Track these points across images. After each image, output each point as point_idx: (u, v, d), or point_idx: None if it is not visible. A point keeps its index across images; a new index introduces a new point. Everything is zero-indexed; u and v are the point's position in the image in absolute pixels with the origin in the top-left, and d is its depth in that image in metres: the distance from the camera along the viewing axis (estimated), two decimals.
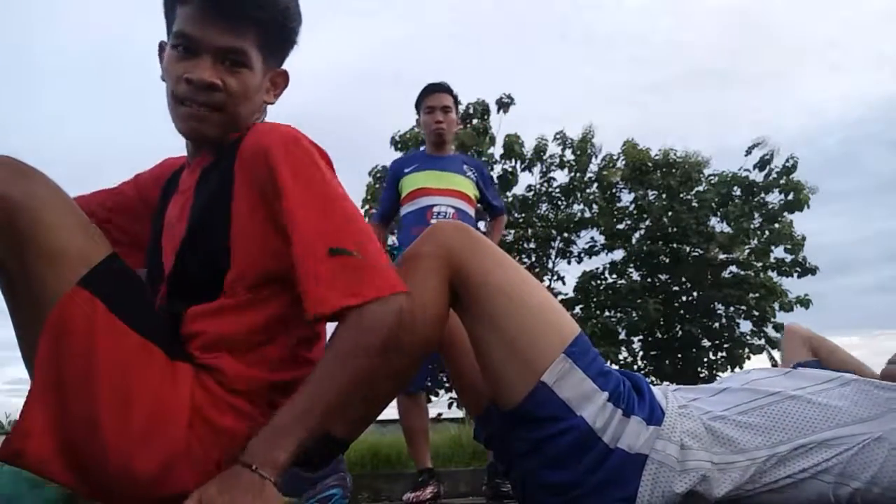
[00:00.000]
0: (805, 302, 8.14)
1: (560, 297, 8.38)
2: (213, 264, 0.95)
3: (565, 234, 8.64)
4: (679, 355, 8.58)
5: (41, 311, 0.84)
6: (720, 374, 8.51)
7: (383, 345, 0.88)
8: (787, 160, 8.24)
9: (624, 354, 8.67)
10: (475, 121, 8.22)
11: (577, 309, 8.76)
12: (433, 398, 7.32)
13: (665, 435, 1.05)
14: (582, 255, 8.79)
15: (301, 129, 0.99)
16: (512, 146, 8.28)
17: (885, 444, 1.07)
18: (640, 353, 8.83)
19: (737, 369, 8.21)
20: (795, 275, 8.24)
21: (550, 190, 8.76)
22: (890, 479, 1.06)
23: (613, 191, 8.79)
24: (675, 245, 8.47)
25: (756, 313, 8.30)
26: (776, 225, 8.31)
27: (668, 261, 8.58)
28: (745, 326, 8.45)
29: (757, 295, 8.23)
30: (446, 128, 2.61)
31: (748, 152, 8.50)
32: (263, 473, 0.81)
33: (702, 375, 8.43)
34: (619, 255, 8.83)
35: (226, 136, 1.03)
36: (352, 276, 0.88)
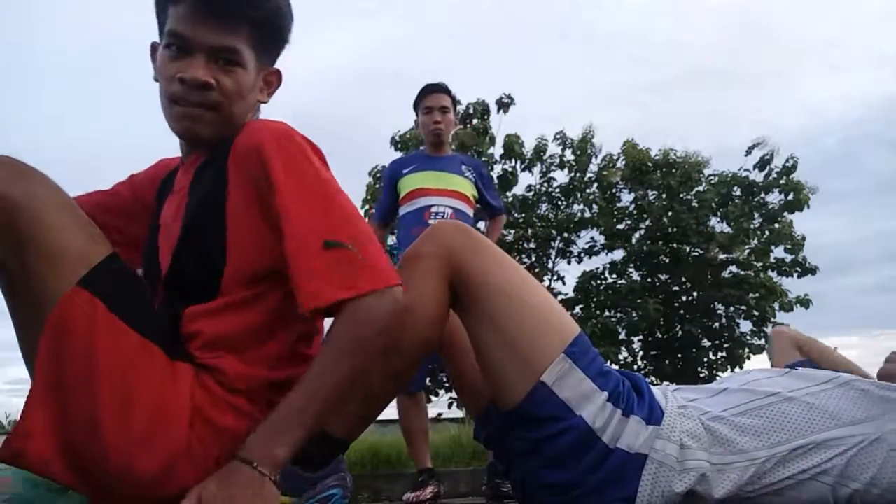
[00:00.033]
0: (805, 302, 8.13)
1: (560, 297, 8.38)
2: (209, 263, 0.95)
3: (565, 234, 8.63)
4: (679, 355, 8.57)
5: (41, 311, 0.84)
6: (720, 374, 8.50)
7: (379, 337, 0.88)
8: (787, 160, 8.23)
9: (624, 354, 8.66)
10: (475, 121, 8.21)
11: (577, 309, 8.75)
12: (433, 398, 7.34)
13: (664, 434, 1.06)
14: (582, 255, 8.78)
15: (301, 129, 0.99)
16: (512, 146, 8.27)
17: (884, 445, 1.07)
18: (640, 353, 8.82)
19: (737, 369, 8.20)
20: (795, 275, 8.23)
21: (550, 190, 8.75)
22: (889, 480, 1.06)
23: (613, 191, 8.78)
24: (675, 245, 8.46)
25: (756, 313, 8.29)
26: (776, 225, 8.30)
27: (668, 261, 8.57)
28: (745, 326, 8.46)
29: (757, 295, 8.22)
30: (444, 128, 2.61)
31: (748, 152, 8.50)
32: (262, 470, 0.81)
33: (702, 375, 8.42)
34: (619, 255, 8.83)
35: (219, 136, 1.02)
36: (346, 269, 0.88)
